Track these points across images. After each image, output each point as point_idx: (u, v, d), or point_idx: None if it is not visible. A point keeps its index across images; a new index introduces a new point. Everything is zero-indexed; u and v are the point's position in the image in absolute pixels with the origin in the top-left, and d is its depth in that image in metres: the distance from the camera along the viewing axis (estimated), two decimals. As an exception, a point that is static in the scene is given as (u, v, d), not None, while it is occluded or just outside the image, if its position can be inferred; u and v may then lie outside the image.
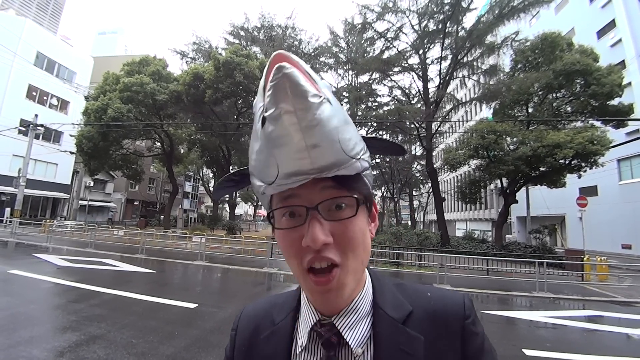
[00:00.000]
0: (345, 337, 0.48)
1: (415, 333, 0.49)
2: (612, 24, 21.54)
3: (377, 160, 26.70)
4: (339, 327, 0.48)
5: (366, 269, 0.54)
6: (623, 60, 19.72)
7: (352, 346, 0.48)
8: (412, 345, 0.48)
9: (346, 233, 0.45)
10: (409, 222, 39.87)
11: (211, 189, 36.99)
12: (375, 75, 19.86)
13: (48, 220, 19.80)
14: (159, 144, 25.58)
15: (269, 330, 0.56)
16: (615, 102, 15.36)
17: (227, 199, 29.01)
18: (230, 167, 26.37)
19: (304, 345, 0.51)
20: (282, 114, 0.37)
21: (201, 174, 40.14)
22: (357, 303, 0.50)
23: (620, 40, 20.66)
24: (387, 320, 0.50)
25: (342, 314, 0.49)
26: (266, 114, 0.38)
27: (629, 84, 18.13)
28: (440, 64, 17.81)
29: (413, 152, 29.49)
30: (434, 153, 20.45)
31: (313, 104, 0.37)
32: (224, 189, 0.60)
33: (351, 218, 0.45)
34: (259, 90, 0.43)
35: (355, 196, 0.46)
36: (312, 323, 0.50)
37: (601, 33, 22.46)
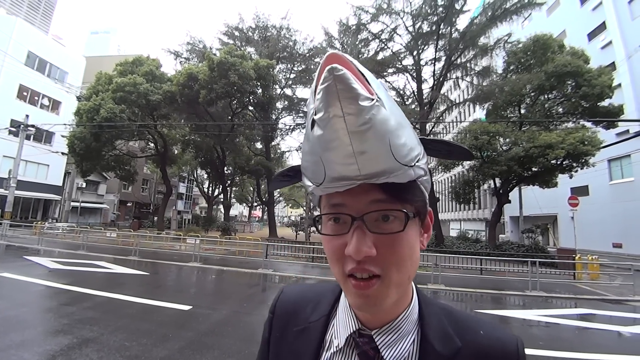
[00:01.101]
0: (382, 354, 0.47)
1: None
2: (602, 26, 21.83)
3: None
4: (378, 343, 0.47)
5: (415, 287, 0.53)
6: (613, 62, 19.96)
7: None
8: None
9: (391, 247, 0.43)
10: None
11: (205, 190, 36.78)
12: (370, 76, 19.93)
13: (39, 222, 19.50)
14: (152, 144, 25.33)
15: (301, 326, 0.56)
16: (605, 103, 15.58)
17: (222, 199, 28.86)
18: (225, 168, 26.22)
19: (340, 347, 0.50)
20: (331, 118, 0.36)
21: (195, 175, 39.83)
22: (400, 322, 0.48)
23: (610, 42, 20.95)
24: (433, 356, 0.47)
25: (383, 330, 0.48)
26: (315, 117, 0.38)
27: (619, 85, 18.39)
28: (434, 65, 17.97)
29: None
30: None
31: (364, 108, 0.35)
32: (279, 182, 0.59)
33: (399, 233, 0.43)
34: (311, 91, 0.42)
35: (405, 210, 0.43)
36: (352, 330, 0.49)
37: (592, 35, 22.76)
